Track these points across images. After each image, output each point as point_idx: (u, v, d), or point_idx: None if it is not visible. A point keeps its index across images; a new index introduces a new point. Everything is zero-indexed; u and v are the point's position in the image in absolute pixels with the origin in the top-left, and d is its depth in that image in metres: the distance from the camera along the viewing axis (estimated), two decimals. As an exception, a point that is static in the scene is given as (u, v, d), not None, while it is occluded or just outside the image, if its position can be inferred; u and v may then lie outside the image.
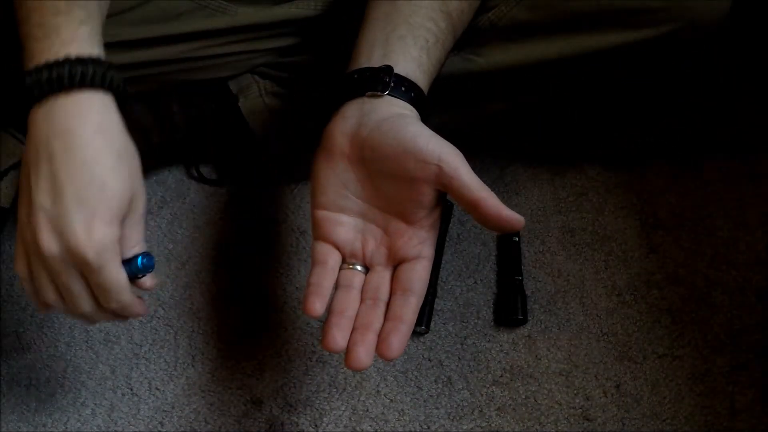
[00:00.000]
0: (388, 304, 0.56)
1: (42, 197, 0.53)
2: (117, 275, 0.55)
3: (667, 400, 0.75)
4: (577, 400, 0.75)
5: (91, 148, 0.53)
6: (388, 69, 0.58)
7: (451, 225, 0.86)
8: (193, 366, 0.79)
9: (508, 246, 0.84)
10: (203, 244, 0.86)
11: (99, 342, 0.80)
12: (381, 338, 0.54)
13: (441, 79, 0.64)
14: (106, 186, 0.53)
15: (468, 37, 0.71)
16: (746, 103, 0.92)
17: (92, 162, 0.53)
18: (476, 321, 0.80)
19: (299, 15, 0.78)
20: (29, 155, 0.54)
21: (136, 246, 0.57)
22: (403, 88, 0.58)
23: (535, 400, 0.75)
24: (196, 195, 0.89)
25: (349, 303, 0.56)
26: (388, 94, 0.57)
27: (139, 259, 0.57)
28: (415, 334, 0.80)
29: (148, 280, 0.59)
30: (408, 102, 0.58)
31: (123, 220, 0.55)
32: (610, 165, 0.89)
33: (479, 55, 0.74)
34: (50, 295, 0.56)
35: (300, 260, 0.84)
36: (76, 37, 0.55)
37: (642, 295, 0.81)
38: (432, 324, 0.80)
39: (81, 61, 0.54)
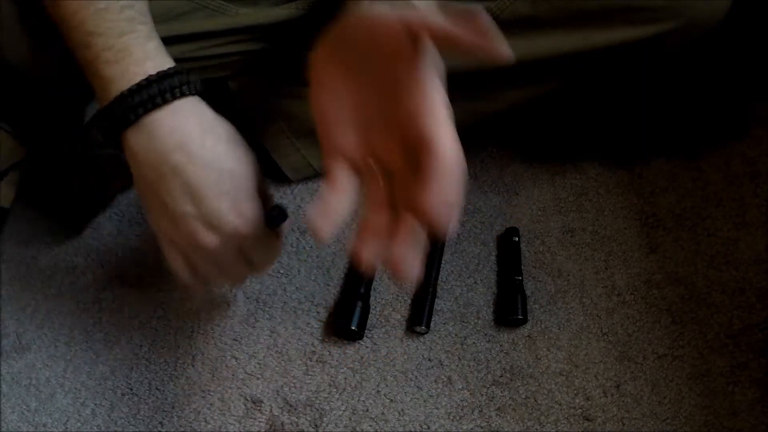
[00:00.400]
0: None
1: (184, 206, 0.58)
2: (272, 238, 0.64)
3: (667, 400, 0.75)
4: (577, 400, 0.75)
5: (207, 149, 0.58)
6: None
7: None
8: (193, 366, 0.79)
9: (508, 246, 0.84)
10: (203, 244, 0.86)
11: (99, 342, 0.80)
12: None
13: None
14: (234, 173, 0.59)
15: None
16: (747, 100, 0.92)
17: (214, 161, 0.58)
18: (476, 321, 0.80)
19: (299, 15, 0.78)
20: (145, 174, 0.59)
21: (268, 201, 0.63)
22: None
23: (535, 400, 0.75)
24: (196, 195, 0.89)
25: (372, 216, 0.55)
26: None
27: (273, 213, 0.63)
28: (415, 334, 0.80)
29: (286, 226, 0.65)
30: None
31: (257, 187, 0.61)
32: (610, 165, 0.89)
33: None
34: (215, 275, 0.64)
35: (300, 260, 0.84)
36: (149, 53, 0.59)
37: (642, 295, 0.81)
38: (432, 324, 0.80)
39: (165, 76, 0.58)
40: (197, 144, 0.58)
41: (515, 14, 0.71)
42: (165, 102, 0.57)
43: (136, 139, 0.58)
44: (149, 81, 0.57)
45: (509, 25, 0.70)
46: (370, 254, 0.54)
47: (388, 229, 0.54)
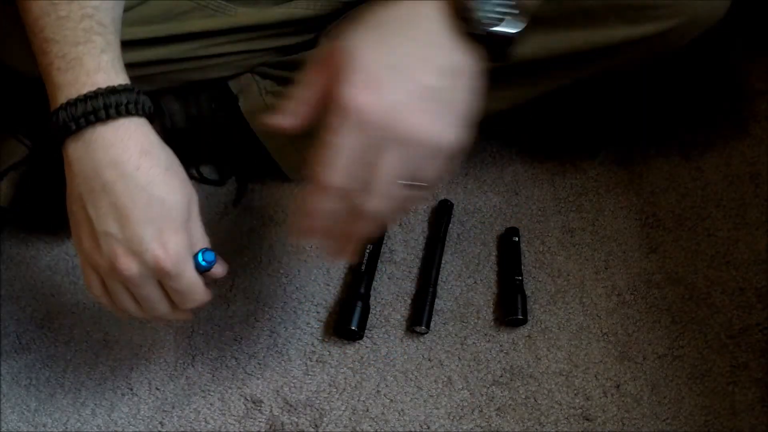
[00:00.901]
0: None
1: (108, 225, 0.56)
2: (193, 278, 0.59)
3: (667, 400, 0.75)
4: (577, 400, 0.75)
5: (141, 171, 0.56)
6: None
7: (451, 225, 0.86)
8: (193, 366, 0.79)
9: (508, 246, 0.84)
10: (203, 244, 0.86)
11: (99, 342, 0.80)
12: None
13: None
14: (165, 202, 0.57)
15: None
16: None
17: (147, 184, 0.56)
18: (476, 321, 0.80)
19: (299, 15, 0.79)
20: (77, 186, 0.57)
21: (199, 242, 0.61)
22: None
23: (535, 400, 0.75)
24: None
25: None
26: None
27: (200, 256, 0.60)
28: (415, 334, 0.80)
29: (218, 270, 0.62)
30: None
31: (187, 224, 0.59)
32: (610, 165, 0.89)
33: None
34: (130, 305, 0.60)
35: (300, 260, 0.84)
36: (101, 66, 0.57)
37: (642, 295, 0.81)
38: (432, 324, 0.80)
39: (113, 91, 0.56)
40: (132, 165, 0.56)
41: None
42: (108, 117, 0.56)
43: (74, 149, 0.57)
44: (96, 93, 0.56)
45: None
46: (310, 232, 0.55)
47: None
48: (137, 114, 0.57)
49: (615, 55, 0.74)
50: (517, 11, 0.52)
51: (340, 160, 0.51)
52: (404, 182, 0.53)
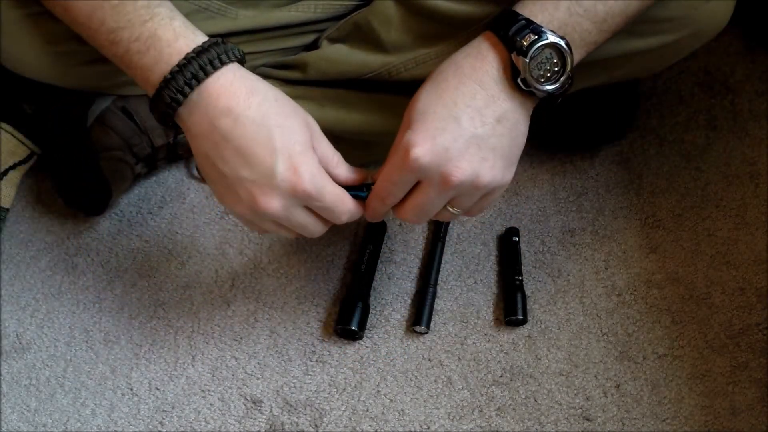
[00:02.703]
0: None
1: (238, 170, 0.59)
2: (336, 193, 0.62)
3: (667, 400, 0.75)
4: (577, 400, 0.75)
5: (252, 109, 0.58)
6: None
7: (451, 225, 0.86)
8: (193, 366, 0.79)
9: (508, 246, 0.84)
10: (203, 244, 0.86)
11: (99, 342, 0.80)
12: None
13: None
14: (285, 128, 0.59)
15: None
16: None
17: (262, 118, 0.58)
18: (476, 321, 0.80)
19: (299, 18, 0.79)
20: (201, 147, 0.60)
21: (334, 157, 0.63)
22: None
23: (535, 400, 0.75)
24: (196, 195, 0.89)
25: None
26: None
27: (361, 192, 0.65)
28: (415, 334, 0.80)
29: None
30: None
31: (312, 144, 0.61)
32: (610, 165, 0.89)
33: None
34: (277, 230, 0.63)
35: (300, 260, 0.84)
36: (178, 32, 0.59)
37: (642, 295, 0.81)
38: (432, 324, 0.80)
39: (202, 51, 0.58)
40: (243, 106, 0.58)
41: None
42: (207, 75, 0.58)
43: (188, 115, 0.59)
44: (188, 59, 0.58)
45: None
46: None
47: None
48: (230, 61, 0.59)
49: (619, 67, 0.74)
50: (564, 71, 0.59)
51: (389, 185, 0.62)
52: (451, 210, 0.63)
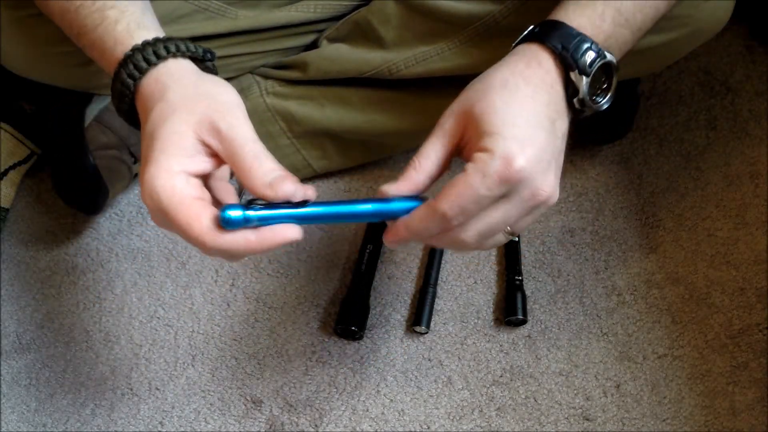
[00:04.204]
0: None
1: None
2: (180, 208, 0.51)
3: (667, 400, 0.75)
4: (577, 400, 0.75)
5: (152, 113, 0.53)
6: None
7: (451, 225, 0.86)
8: (193, 366, 0.79)
9: (508, 246, 0.84)
10: (203, 244, 0.86)
11: (99, 342, 0.80)
12: None
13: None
14: (156, 132, 0.52)
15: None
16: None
17: (150, 123, 0.52)
18: (476, 321, 0.80)
19: (299, 18, 0.79)
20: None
21: (257, 163, 0.52)
22: None
23: (535, 400, 0.75)
24: (196, 195, 0.89)
25: None
26: None
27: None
28: (415, 334, 0.80)
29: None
30: None
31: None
32: (610, 165, 0.89)
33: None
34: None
35: (300, 260, 0.84)
36: (117, 39, 0.56)
37: (642, 295, 0.81)
38: (432, 324, 0.80)
39: (129, 56, 0.54)
40: (149, 112, 0.53)
41: (517, 22, 0.71)
42: (136, 80, 0.54)
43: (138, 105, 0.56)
44: (119, 66, 0.54)
45: (513, 32, 0.71)
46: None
47: None
48: (160, 59, 0.54)
49: (620, 65, 0.74)
50: (610, 87, 0.57)
51: (468, 202, 0.52)
52: (507, 231, 0.56)
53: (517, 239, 0.84)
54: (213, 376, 0.78)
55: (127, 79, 0.54)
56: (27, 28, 0.70)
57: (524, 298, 0.80)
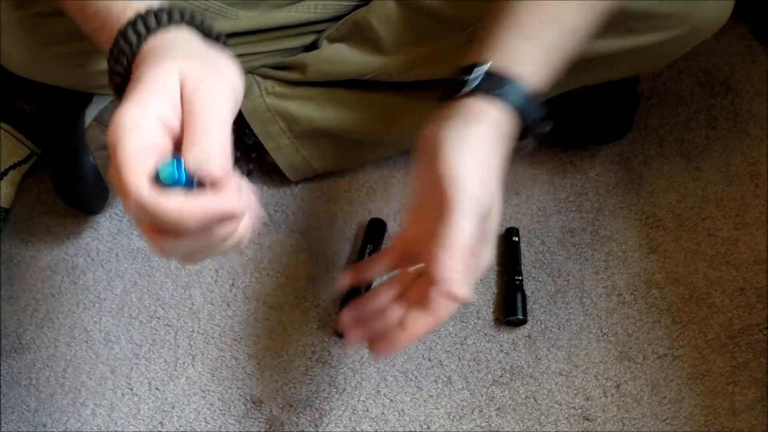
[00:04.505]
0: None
1: None
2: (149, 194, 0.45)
3: (667, 400, 0.75)
4: (577, 400, 0.75)
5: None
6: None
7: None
8: (193, 366, 0.79)
9: (508, 246, 0.84)
10: (203, 244, 0.86)
11: (99, 342, 0.80)
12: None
13: None
14: (126, 106, 0.46)
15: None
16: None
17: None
18: (476, 321, 0.80)
19: (299, 19, 0.79)
20: None
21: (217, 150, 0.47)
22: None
23: (535, 400, 0.75)
24: (196, 195, 0.89)
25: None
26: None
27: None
28: (415, 334, 0.80)
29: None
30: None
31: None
32: (610, 165, 0.89)
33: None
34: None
35: (299, 261, 0.84)
36: (121, 16, 0.52)
37: (642, 295, 0.81)
38: (432, 324, 0.80)
39: (124, 30, 0.51)
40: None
41: None
42: (134, 49, 0.50)
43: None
44: (116, 40, 0.51)
45: None
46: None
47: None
48: (150, 31, 0.50)
49: (619, 64, 0.74)
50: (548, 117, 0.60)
51: (463, 238, 0.54)
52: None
53: (517, 239, 0.84)
54: (213, 376, 0.78)
55: (132, 36, 0.50)
56: (28, 28, 0.70)
57: (524, 298, 0.80)
